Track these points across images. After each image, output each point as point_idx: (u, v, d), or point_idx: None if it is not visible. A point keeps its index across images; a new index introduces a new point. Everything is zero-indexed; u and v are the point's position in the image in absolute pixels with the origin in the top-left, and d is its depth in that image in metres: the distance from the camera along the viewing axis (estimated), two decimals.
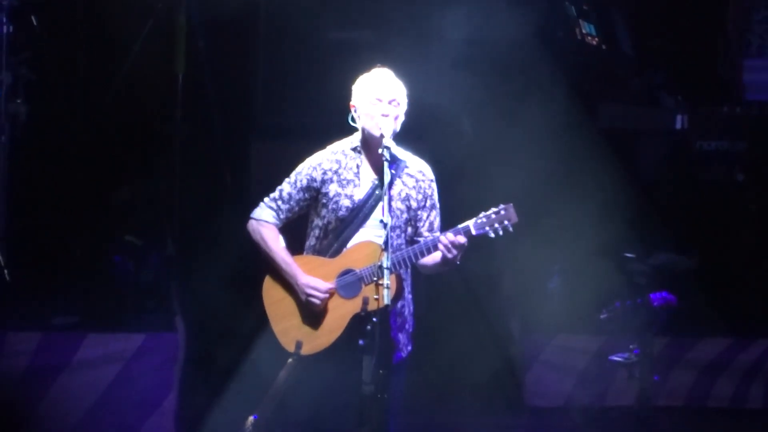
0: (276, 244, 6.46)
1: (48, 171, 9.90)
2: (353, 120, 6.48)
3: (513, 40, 9.99)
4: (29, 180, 9.71)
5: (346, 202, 6.42)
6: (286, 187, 6.52)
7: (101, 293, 9.01)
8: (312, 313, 6.37)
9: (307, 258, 6.46)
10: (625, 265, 8.74)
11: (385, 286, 5.99)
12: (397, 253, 6.31)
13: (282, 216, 6.50)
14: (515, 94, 10.11)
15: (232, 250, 8.90)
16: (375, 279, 6.24)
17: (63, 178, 9.89)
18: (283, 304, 6.42)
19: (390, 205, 6.30)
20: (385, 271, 6.01)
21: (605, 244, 9.46)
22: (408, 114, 6.46)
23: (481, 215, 6.29)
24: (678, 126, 10.64)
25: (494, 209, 6.28)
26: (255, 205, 6.56)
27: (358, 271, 6.32)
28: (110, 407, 8.33)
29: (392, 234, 6.35)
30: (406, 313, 6.52)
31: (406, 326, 6.52)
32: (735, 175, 10.71)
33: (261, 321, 6.49)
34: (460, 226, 6.28)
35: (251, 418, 6.42)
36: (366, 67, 6.55)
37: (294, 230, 6.62)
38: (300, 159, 6.57)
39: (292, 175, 6.52)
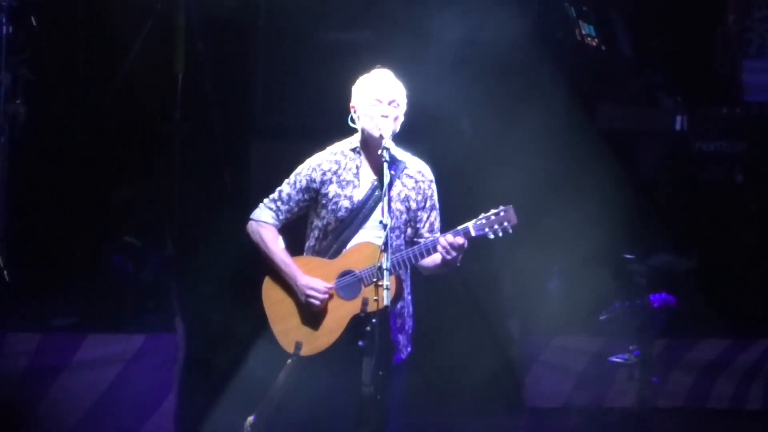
0: (275, 245, 6.47)
1: (47, 172, 9.90)
2: (353, 121, 6.48)
3: (512, 41, 10.00)
4: (29, 181, 9.71)
5: (345, 203, 6.42)
6: (285, 188, 6.52)
7: (101, 294, 9.00)
8: (311, 314, 6.37)
9: (307, 259, 6.46)
10: (624, 266, 8.74)
11: (385, 287, 5.99)
12: (397, 254, 6.31)
13: (281, 217, 6.50)
14: (515, 95, 10.11)
15: (232, 251, 8.89)
16: (374, 280, 6.24)
17: (62, 178, 9.89)
18: (282, 305, 6.42)
19: (389, 206, 6.30)
20: (385, 272, 6.01)
21: (605, 245, 9.46)
22: (408, 115, 6.46)
23: (480, 216, 6.29)
24: (677, 127, 10.63)
25: (494, 210, 6.28)
26: (254, 205, 6.56)
27: (357, 272, 6.32)
28: (110, 408, 8.33)
29: (392, 235, 6.35)
30: (406, 314, 6.52)
31: (406, 327, 6.52)
32: (734, 176, 10.71)
33: (260, 322, 6.49)
34: (459, 227, 6.28)
35: (250, 419, 6.43)
36: (366, 67, 6.55)
37: (293, 231, 6.62)
38: (300, 159, 6.57)
39: (292, 176, 6.52)
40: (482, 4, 9.91)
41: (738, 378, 9.50)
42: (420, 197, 6.48)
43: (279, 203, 6.50)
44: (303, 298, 6.36)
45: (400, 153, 6.47)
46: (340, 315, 6.32)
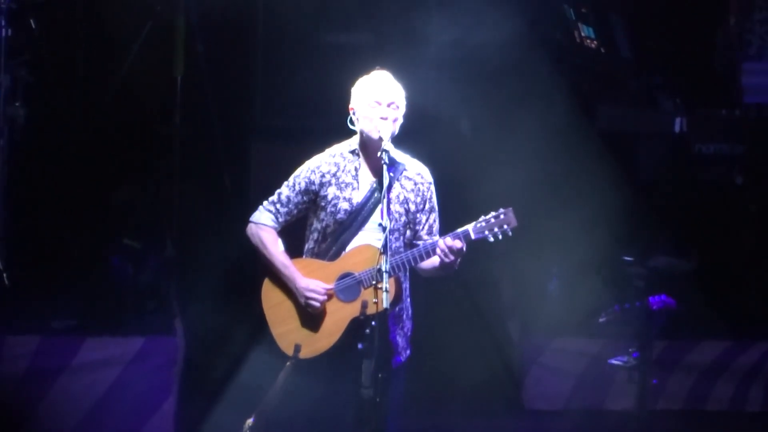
0: (275, 247, 6.46)
1: (47, 174, 9.90)
2: (352, 122, 6.48)
3: (512, 43, 9.99)
4: (28, 183, 9.71)
5: (344, 205, 6.42)
6: (284, 190, 6.51)
7: (100, 296, 9.00)
8: (311, 317, 6.37)
9: (306, 261, 6.46)
10: (623, 268, 8.73)
11: (384, 289, 5.98)
12: (396, 256, 6.31)
13: (281, 219, 6.50)
14: (514, 97, 10.11)
15: (232, 253, 8.89)
16: (374, 282, 6.24)
17: (62, 180, 9.88)
18: (282, 308, 6.42)
19: (388, 208, 6.29)
20: (384, 275, 6.01)
21: (604, 247, 9.46)
22: (407, 117, 6.45)
23: (480, 219, 6.29)
24: (677, 128, 10.63)
25: (494, 213, 6.28)
26: (254, 207, 6.56)
27: (357, 274, 6.32)
28: (109, 410, 8.33)
29: (391, 237, 6.34)
30: (405, 316, 6.51)
31: (405, 330, 6.52)
32: (734, 177, 10.71)
33: (260, 324, 6.49)
34: (459, 230, 6.28)
35: (249, 421, 6.43)
36: (365, 69, 6.55)
37: (293, 233, 6.62)
38: (299, 161, 6.57)
39: (291, 179, 6.52)
40: (481, 6, 9.90)
41: (738, 380, 9.49)
42: (419, 199, 6.48)
43: (278, 206, 6.50)
44: (302, 300, 6.36)
45: (399, 155, 6.47)
46: (339, 317, 6.32)
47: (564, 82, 10.22)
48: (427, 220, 6.49)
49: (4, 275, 8.86)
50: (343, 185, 6.45)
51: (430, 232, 6.48)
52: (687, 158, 10.68)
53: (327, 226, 6.44)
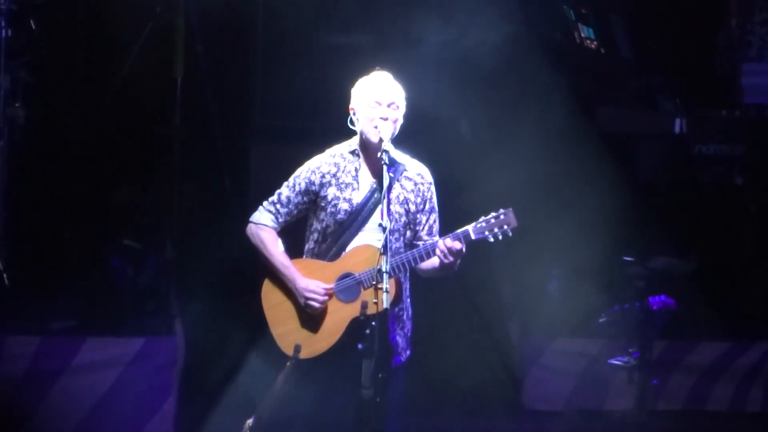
0: (275, 247, 6.47)
1: (47, 174, 9.90)
2: (352, 123, 6.48)
3: (511, 44, 10.00)
4: (28, 184, 9.71)
5: (344, 206, 6.42)
6: (284, 190, 6.52)
7: (100, 297, 9.00)
8: (311, 317, 6.37)
9: (306, 261, 6.46)
10: (623, 269, 8.73)
11: (384, 289, 5.98)
12: (396, 257, 6.31)
13: (281, 220, 6.50)
14: (514, 98, 10.11)
15: (231, 254, 8.89)
16: (374, 283, 6.24)
17: (62, 181, 9.89)
18: (282, 308, 6.42)
19: (389, 209, 6.29)
20: (384, 275, 6.00)
21: (604, 247, 9.46)
22: (407, 117, 6.46)
23: (480, 220, 6.29)
24: (677, 129, 10.62)
25: (494, 214, 6.28)
26: (254, 208, 6.57)
27: (357, 274, 6.32)
28: (109, 411, 8.32)
29: (391, 238, 6.34)
30: (405, 317, 6.52)
31: (405, 330, 6.52)
32: (733, 178, 10.71)
33: (260, 324, 6.49)
34: (459, 230, 6.28)
35: (249, 421, 6.43)
36: (365, 70, 6.55)
37: (293, 234, 6.62)
38: (299, 162, 6.57)
39: (291, 179, 6.52)
40: (481, 6, 9.90)
41: (738, 380, 9.49)
42: (419, 200, 6.48)
43: (278, 206, 6.50)
44: (302, 300, 6.36)
45: (399, 155, 6.47)
46: (339, 318, 6.33)
47: (564, 82, 10.22)
48: (427, 220, 6.49)
49: (4, 275, 8.86)
50: (343, 186, 6.45)
51: (430, 233, 6.48)
52: (687, 159, 10.67)
53: (327, 226, 6.44)
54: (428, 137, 9.29)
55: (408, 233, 6.49)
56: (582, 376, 9.33)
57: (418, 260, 6.32)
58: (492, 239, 6.28)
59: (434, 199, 6.53)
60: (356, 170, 6.47)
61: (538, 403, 9.36)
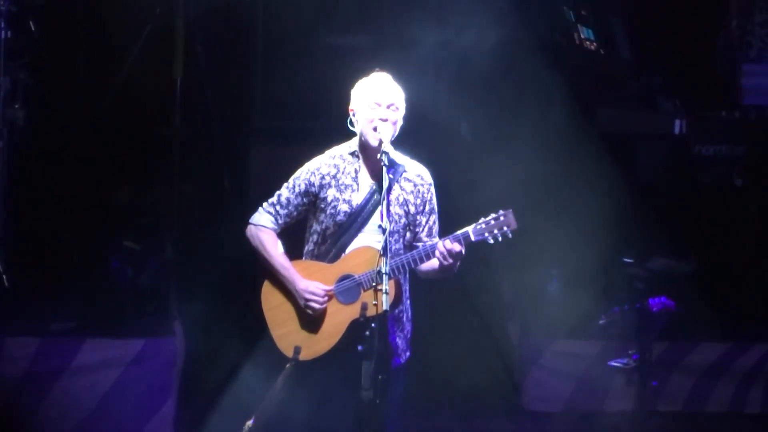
0: (274, 249, 6.47)
1: (46, 175, 9.90)
2: (352, 124, 6.48)
3: (511, 45, 10.00)
4: (27, 185, 9.71)
5: (344, 207, 6.42)
6: (284, 192, 6.52)
7: (100, 298, 9.00)
8: (310, 319, 6.37)
9: (306, 263, 6.46)
10: (623, 270, 8.73)
11: (384, 291, 5.99)
12: (396, 258, 6.31)
13: (280, 221, 6.50)
14: (514, 99, 10.12)
15: (231, 255, 8.89)
16: (374, 284, 6.24)
17: (61, 182, 9.89)
18: (281, 309, 6.42)
19: (388, 210, 6.29)
20: (384, 277, 6.01)
21: (604, 248, 9.46)
22: (407, 118, 6.46)
23: (480, 221, 6.29)
24: (676, 130, 10.62)
25: (494, 215, 6.28)
26: (254, 209, 6.57)
27: (356, 276, 6.32)
28: (109, 412, 8.32)
29: (390, 239, 6.34)
30: (405, 318, 6.52)
31: (405, 332, 6.52)
32: (733, 179, 10.71)
33: (259, 326, 6.49)
34: (458, 232, 6.28)
35: (249, 423, 6.43)
36: (365, 71, 6.55)
37: (292, 235, 6.62)
38: (299, 163, 6.57)
39: (291, 180, 6.52)
40: (481, 8, 9.90)
41: (737, 381, 9.48)
42: (419, 201, 6.47)
43: (278, 207, 6.50)
44: (302, 302, 6.36)
45: (399, 157, 6.47)
46: (339, 319, 6.33)
47: (563, 83, 10.21)
48: (426, 221, 6.49)
49: (4, 277, 8.86)
50: (342, 187, 6.45)
51: (429, 234, 6.48)
52: (687, 160, 10.67)
53: (327, 228, 6.44)
54: (428, 138, 9.30)
55: (408, 235, 6.49)
56: (582, 377, 9.32)
57: (418, 262, 6.32)
58: (492, 241, 6.28)
59: (434, 201, 6.53)
60: (356, 172, 6.47)
61: (537, 404, 9.35)
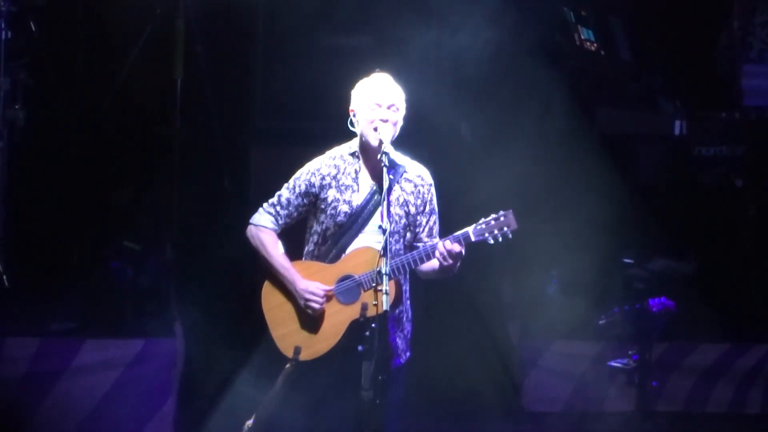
0: (275, 249, 6.46)
1: (46, 176, 9.90)
2: (352, 125, 6.48)
3: (511, 46, 10.00)
4: (28, 185, 9.71)
5: (344, 208, 6.42)
6: (284, 192, 6.52)
7: (100, 298, 9.00)
8: (311, 319, 6.37)
9: (306, 263, 6.46)
10: (623, 271, 8.74)
11: (384, 291, 5.98)
12: (396, 259, 6.31)
13: (281, 221, 6.50)
14: (514, 100, 10.11)
15: (231, 255, 8.89)
16: (374, 285, 6.24)
17: (61, 183, 9.88)
18: (281, 310, 6.42)
19: (388, 211, 6.29)
20: (384, 277, 6.00)
21: (604, 249, 9.46)
22: (407, 119, 6.45)
23: (480, 221, 6.29)
24: (676, 131, 10.62)
25: (494, 215, 6.28)
26: (254, 210, 6.56)
27: (357, 276, 6.32)
28: (109, 413, 8.33)
29: (391, 239, 6.34)
30: (405, 319, 6.51)
31: (405, 332, 6.52)
32: (733, 180, 10.71)
33: (259, 326, 6.49)
34: (459, 232, 6.28)
35: (248, 423, 6.43)
36: (365, 71, 6.54)
37: (293, 236, 6.62)
38: (299, 164, 6.57)
39: (291, 181, 6.52)
40: (482, 8, 9.90)
41: (737, 382, 9.49)
42: (419, 201, 6.47)
43: (278, 208, 6.50)
44: (302, 302, 6.36)
45: (399, 157, 6.46)
46: (339, 320, 6.32)
47: (564, 84, 10.21)
48: (427, 222, 6.49)
49: (4, 277, 8.86)
50: (343, 188, 6.45)
51: (430, 234, 6.48)
52: (687, 160, 10.68)
53: (327, 228, 6.44)
54: (428, 139, 9.29)
55: (408, 235, 6.48)
56: (582, 377, 9.33)
57: (418, 262, 6.32)
58: (492, 241, 6.28)
59: (434, 201, 6.52)
60: (356, 172, 6.47)
61: (537, 405, 9.36)
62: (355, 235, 6.39)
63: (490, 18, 9.91)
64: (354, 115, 6.46)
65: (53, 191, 9.86)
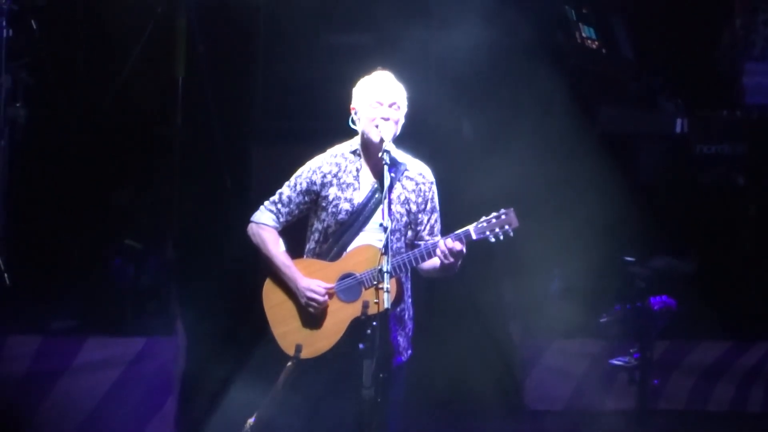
0: (276, 247, 6.46)
1: (47, 174, 9.90)
2: (353, 123, 6.48)
3: (512, 43, 10.00)
4: (29, 184, 9.71)
5: (345, 206, 6.42)
6: (286, 190, 6.51)
7: (101, 297, 9.00)
8: (312, 317, 6.37)
9: (308, 261, 6.46)
10: (625, 269, 8.73)
11: (385, 289, 5.98)
12: (397, 257, 6.31)
13: (282, 219, 6.50)
14: (515, 98, 10.11)
15: (232, 254, 8.89)
16: (375, 283, 6.24)
17: (62, 181, 9.88)
18: (283, 308, 6.42)
19: (390, 209, 6.29)
20: (385, 275, 6.00)
21: (605, 247, 9.46)
22: (408, 117, 6.45)
23: (481, 220, 6.28)
24: (678, 130, 10.62)
25: (495, 214, 6.28)
26: (255, 208, 6.57)
27: (358, 275, 6.32)
28: (110, 411, 8.33)
29: (392, 238, 6.34)
30: (406, 317, 6.51)
31: (406, 330, 6.52)
32: (735, 178, 10.71)
33: (261, 324, 6.49)
34: (460, 230, 6.28)
35: (250, 421, 6.43)
36: (366, 70, 6.54)
37: (294, 233, 6.62)
38: (300, 162, 6.57)
39: (292, 179, 6.52)
40: (483, 7, 9.90)
41: (738, 380, 9.50)
42: (420, 199, 6.47)
43: (279, 206, 6.50)
44: (303, 300, 6.36)
45: (400, 155, 6.46)
46: (340, 318, 6.32)
47: (565, 83, 10.22)
48: (428, 220, 6.49)
49: (5, 275, 8.87)
50: (344, 186, 6.45)
51: (431, 232, 6.48)
52: (688, 159, 10.68)
53: (328, 226, 6.44)
54: (429, 137, 9.29)
55: (409, 233, 6.48)
56: (583, 376, 9.33)
57: (419, 260, 6.32)
58: (493, 239, 6.28)
59: (435, 199, 6.52)
60: (357, 170, 6.47)
61: (539, 403, 9.36)
62: (357, 233, 6.39)
63: (491, 16, 9.91)
64: (355, 113, 6.46)
65: (54, 190, 9.86)
